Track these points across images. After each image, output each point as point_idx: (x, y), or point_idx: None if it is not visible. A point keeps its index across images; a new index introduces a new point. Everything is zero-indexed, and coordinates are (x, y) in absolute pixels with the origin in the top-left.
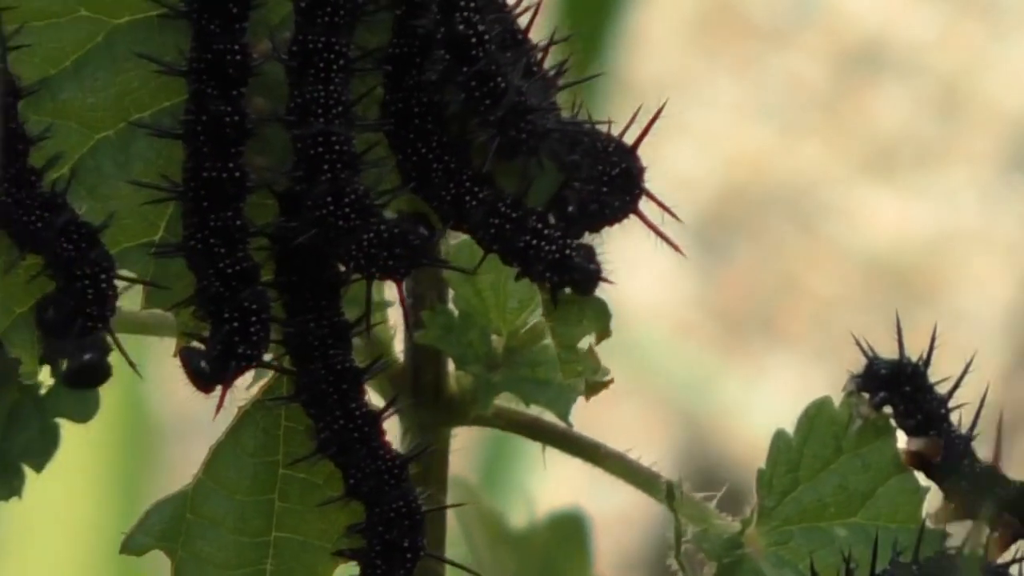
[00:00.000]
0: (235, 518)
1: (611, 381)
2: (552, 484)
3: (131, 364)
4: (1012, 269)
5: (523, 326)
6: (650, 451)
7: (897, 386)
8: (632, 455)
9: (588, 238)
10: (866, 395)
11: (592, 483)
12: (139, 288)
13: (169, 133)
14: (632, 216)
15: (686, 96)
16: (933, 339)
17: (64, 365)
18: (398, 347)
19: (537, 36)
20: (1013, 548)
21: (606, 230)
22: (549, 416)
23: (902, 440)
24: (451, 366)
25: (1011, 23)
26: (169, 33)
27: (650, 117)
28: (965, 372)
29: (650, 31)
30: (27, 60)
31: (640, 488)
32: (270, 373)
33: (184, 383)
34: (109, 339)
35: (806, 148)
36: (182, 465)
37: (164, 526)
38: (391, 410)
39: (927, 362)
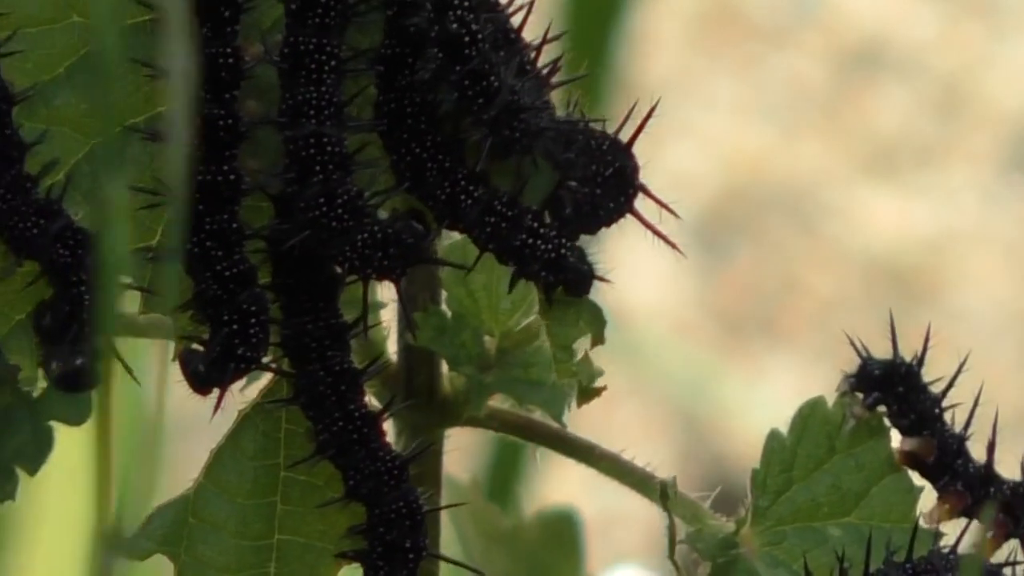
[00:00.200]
0: (237, 522)
1: (604, 388)
2: (550, 484)
3: (127, 369)
4: (1012, 269)
5: (516, 327)
6: (649, 451)
7: (890, 386)
8: (628, 455)
9: (585, 239)
10: (859, 395)
11: (587, 483)
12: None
13: (164, 138)
14: (629, 215)
15: (686, 96)
16: (927, 339)
17: (55, 368)
18: (391, 348)
19: (530, 35)
20: (1007, 548)
21: (604, 230)
22: (543, 417)
23: (896, 439)
24: (444, 367)
25: (1011, 23)
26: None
27: (646, 116)
28: (959, 372)
29: (650, 31)
30: (20, 66)
31: (634, 489)
32: (267, 376)
33: (183, 385)
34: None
35: (806, 148)
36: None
37: (166, 530)
38: (389, 412)
39: (920, 362)
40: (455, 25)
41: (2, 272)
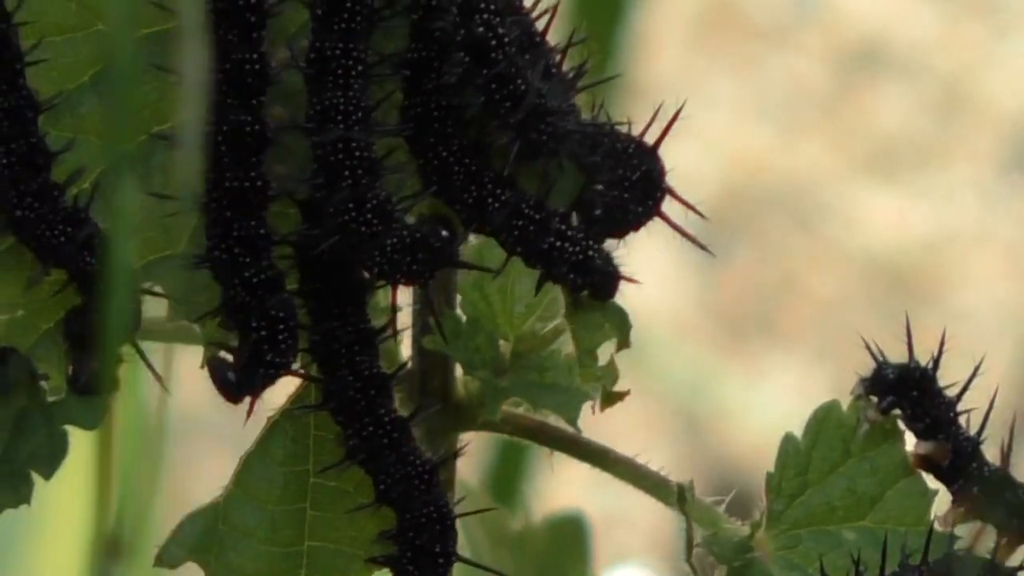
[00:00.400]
0: (267, 528)
1: (627, 393)
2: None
3: (155, 375)
4: (1012, 269)
5: (530, 331)
6: (651, 452)
7: (905, 390)
8: (640, 459)
9: (607, 243)
10: (874, 399)
11: (589, 484)
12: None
13: (179, 144)
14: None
15: (686, 96)
16: (942, 343)
17: (71, 372)
18: (405, 352)
19: (554, 39)
20: (1021, 552)
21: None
22: (556, 420)
23: (910, 442)
24: (459, 371)
25: (1011, 23)
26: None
27: (665, 118)
28: (974, 375)
29: (651, 32)
30: (45, 75)
31: (649, 493)
32: (296, 381)
33: (184, 387)
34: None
35: (806, 148)
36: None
37: (197, 538)
38: (419, 416)
39: (935, 366)
40: (481, 29)
41: (30, 281)
